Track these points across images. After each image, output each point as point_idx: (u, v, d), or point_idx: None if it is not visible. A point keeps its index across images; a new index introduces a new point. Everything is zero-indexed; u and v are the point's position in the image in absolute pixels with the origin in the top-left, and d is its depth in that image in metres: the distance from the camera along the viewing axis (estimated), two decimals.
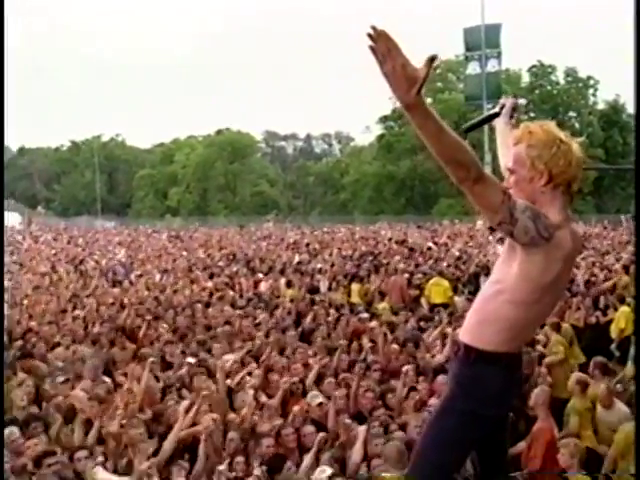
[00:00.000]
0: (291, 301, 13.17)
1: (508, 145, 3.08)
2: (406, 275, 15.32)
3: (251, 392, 7.28)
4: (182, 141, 72.58)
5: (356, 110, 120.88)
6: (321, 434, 6.27)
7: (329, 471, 5.54)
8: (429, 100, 59.10)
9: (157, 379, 8.16)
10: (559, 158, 2.81)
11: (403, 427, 6.42)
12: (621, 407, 6.93)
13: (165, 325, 11.04)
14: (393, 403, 7.37)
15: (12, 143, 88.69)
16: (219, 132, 69.62)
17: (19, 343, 9.96)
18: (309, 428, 6.43)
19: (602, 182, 48.80)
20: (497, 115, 3.35)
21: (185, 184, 65.90)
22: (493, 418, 2.99)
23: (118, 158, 74.33)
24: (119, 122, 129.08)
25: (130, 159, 74.14)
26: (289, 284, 15.04)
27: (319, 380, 7.97)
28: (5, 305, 12.94)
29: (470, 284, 14.25)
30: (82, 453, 5.94)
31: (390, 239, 25.02)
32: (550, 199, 2.85)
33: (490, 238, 23.88)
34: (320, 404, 7.06)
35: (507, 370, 2.94)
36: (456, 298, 13.42)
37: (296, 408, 6.86)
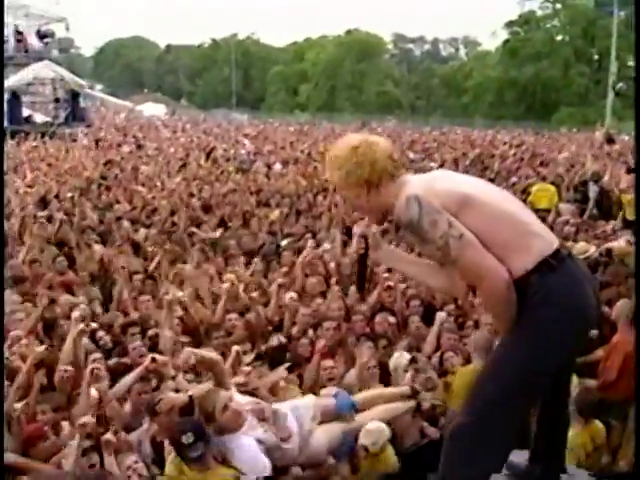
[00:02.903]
0: None
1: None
2: (514, 179, 14.80)
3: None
4: (313, 40, 71.65)
5: (484, 15, 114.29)
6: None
7: (407, 356, 5.42)
8: (559, 6, 54.85)
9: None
10: (361, 163, 2.72)
11: (476, 324, 6.23)
12: None
13: (276, 211, 11.17)
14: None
15: (160, 41, 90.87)
16: (349, 32, 68.13)
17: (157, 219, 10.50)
18: (382, 315, 6.26)
19: None
20: (366, 253, 3.04)
21: (314, 81, 65.51)
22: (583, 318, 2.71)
23: (253, 55, 74.42)
24: (255, 22, 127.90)
25: (264, 56, 74.07)
26: None
27: None
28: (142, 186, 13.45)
29: (577, 192, 13.46)
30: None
31: (505, 143, 23.90)
32: (387, 192, 2.74)
33: (607, 148, 22.36)
34: (389, 287, 6.77)
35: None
36: (561, 205, 12.73)
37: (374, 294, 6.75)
